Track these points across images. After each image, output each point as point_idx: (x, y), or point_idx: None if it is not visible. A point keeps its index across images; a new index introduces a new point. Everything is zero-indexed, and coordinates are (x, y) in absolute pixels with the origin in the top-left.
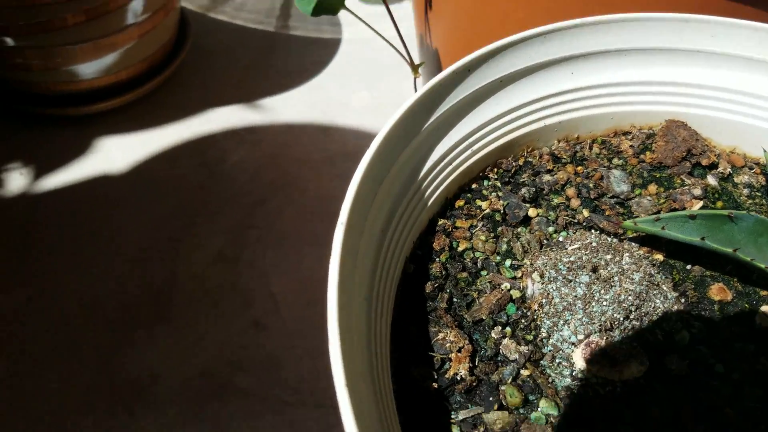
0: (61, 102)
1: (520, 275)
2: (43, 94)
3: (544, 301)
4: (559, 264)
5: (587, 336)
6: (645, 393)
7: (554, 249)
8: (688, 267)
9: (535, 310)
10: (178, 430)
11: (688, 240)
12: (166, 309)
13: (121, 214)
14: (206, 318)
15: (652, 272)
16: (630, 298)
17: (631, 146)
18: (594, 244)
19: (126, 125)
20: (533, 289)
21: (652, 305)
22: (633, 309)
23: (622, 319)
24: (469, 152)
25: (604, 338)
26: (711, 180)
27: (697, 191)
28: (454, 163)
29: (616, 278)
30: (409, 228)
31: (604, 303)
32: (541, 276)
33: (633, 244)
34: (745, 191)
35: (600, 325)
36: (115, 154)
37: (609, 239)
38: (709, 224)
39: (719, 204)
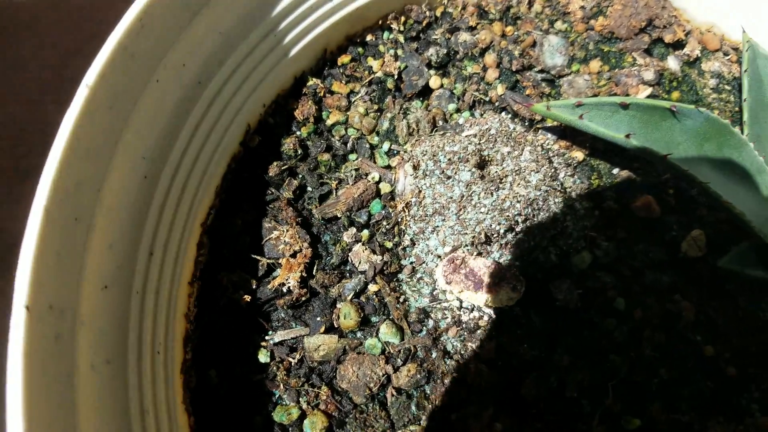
0: None
1: (396, 164)
2: None
3: (413, 200)
4: (440, 154)
5: (455, 249)
6: (516, 326)
7: (448, 133)
8: (615, 171)
9: (401, 211)
10: None
11: (609, 135)
12: None
13: None
14: None
15: (562, 174)
16: (518, 205)
17: (582, 7)
18: (493, 131)
19: None
20: (404, 183)
21: (549, 216)
22: (521, 220)
23: (503, 231)
24: None
25: (474, 253)
26: (671, 63)
27: (649, 75)
28: (337, 0)
29: (509, 178)
30: (254, 84)
31: (483, 209)
32: (416, 168)
33: (548, 135)
34: (712, 82)
35: (473, 237)
36: None
37: (514, 127)
38: (644, 118)
39: (675, 95)
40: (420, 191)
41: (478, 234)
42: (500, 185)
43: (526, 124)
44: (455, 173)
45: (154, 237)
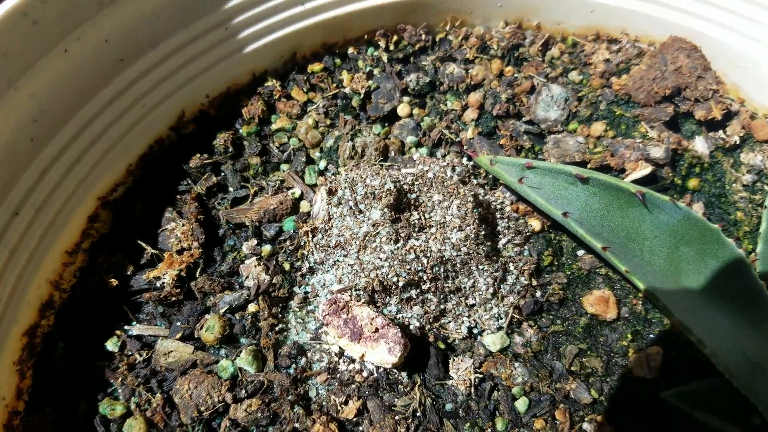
0: None
1: (323, 183)
2: None
3: (321, 226)
4: (359, 185)
5: (346, 289)
6: (394, 393)
7: (395, 165)
8: (579, 253)
9: (305, 235)
10: None
11: (546, 209)
12: None
13: None
14: None
15: (503, 240)
16: (425, 260)
17: (606, 61)
18: (431, 175)
19: None
20: (318, 207)
21: (468, 282)
22: (427, 277)
23: (402, 284)
24: None
25: (363, 300)
26: (699, 144)
27: (658, 152)
28: (311, 4)
29: (431, 230)
30: (194, 72)
31: (381, 255)
32: (331, 193)
33: (507, 194)
34: (747, 178)
35: (367, 282)
36: None
37: (451, 175)
38: (607, 199)
39: (692, 183)
40: (330, 219)
41: (370, 280)
42: (413, 234)
43: (469, 176)
44: (368, 209)
45: (24, 198)
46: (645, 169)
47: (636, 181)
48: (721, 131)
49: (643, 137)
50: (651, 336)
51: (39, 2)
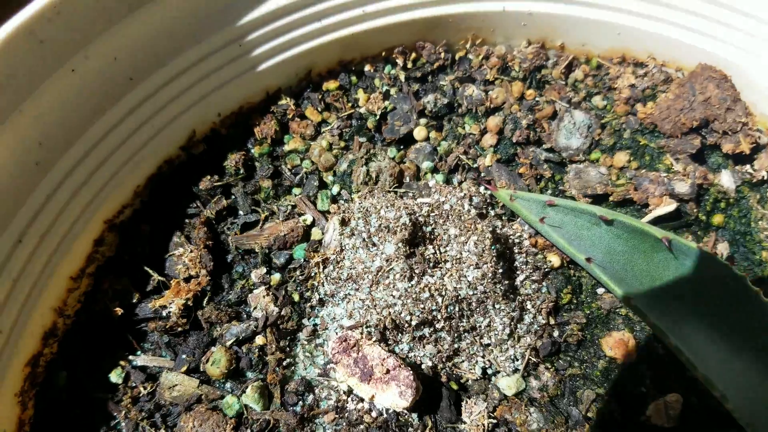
0: None
1: (335, 211)
2: None
3: (333, 257)
4: (373, 216)
5: (356, 326)
6: None
7: (410, 193)
8: (599, 291)
9: (315, 266)
10: None
11: (568, 251)
12: None
13: None
14: None
15: (521, 277)
16: (440, 299)
17: (632, 86)
18: (447, 207)
19: None
20: (331, 236)
21: (483, 322)
22: (441, 316)
23: (415, 323)
24: (360, 11)
25: (375, 338)
26: (725, 179)
27: (683, 187)
28: (328, 21)
29: (447, 265)
30: (205, 91)
31: (395, 292)
32: (344, 223)
33: (525, 227)
34: None
35: (379, 319)
36: None
37: (468, 209)
38: (632, 242)
39: (716, 219)
40: (342, 250)
41: (384, 318)
42: (428, 270)
43: (488, 204)
44: (381, 242)
45: (28, 225)
46: (670, 206)
47: (660, 217)
48: (748, 165)
49: (668, 170)
50: (671, 382)
51: (46, 20)
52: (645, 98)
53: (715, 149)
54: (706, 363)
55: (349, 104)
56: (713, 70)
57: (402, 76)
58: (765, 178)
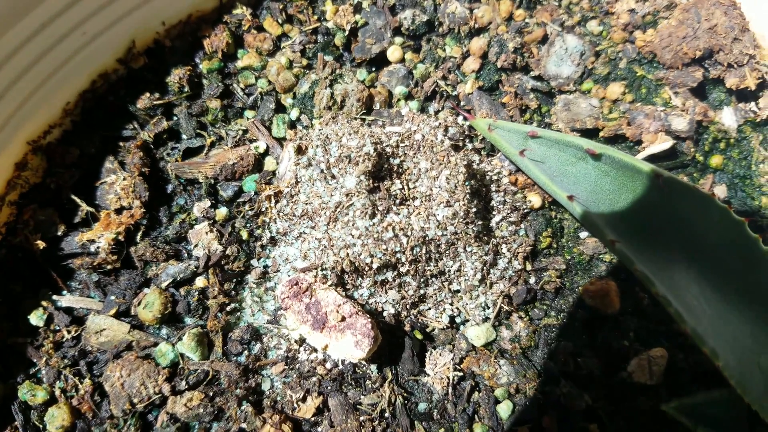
0: None
1: (292, 137)
2: None
3: (287, 190)
4: (333, 144)
5: (311, 268)
6: (361, 389)
7: (379, 121)
8: (582, 235)
9: (266, 199)
10: None
11: (550, 189)
12: None
13: None
14: None
15: (498, 218)
16: (404, 240)
17: (631, 11)
18: (419, 137)
19: None
20: (285, 167)
21: (453, 266)
22: (405, 259)
23: (376, 266)
24: None
25: (330, 282)
26: (727, 116)
27: (680, 124)
28: None
29: (416, 203)
30: None
31: (354, 231)
32: (301, 152)
33: (505, 163)
34: None
35: (336, 261)
36: None
37: (442, 139)
38: (620, 180)
39: (714, 161)
40: (297, 182)
41: (341, 259)
42: (393, 208)
43: (465, 137)
44: (341, 174)
45: None
46: (665, 143)
47: (654, 156)
48: (752, 103)
49: (665, 104)
50: (656, 336)
51: None
52: (645, 25)
53: (718, 83)
54: (696, 316)
55: (315, 17)
56: None
57: None
58: None
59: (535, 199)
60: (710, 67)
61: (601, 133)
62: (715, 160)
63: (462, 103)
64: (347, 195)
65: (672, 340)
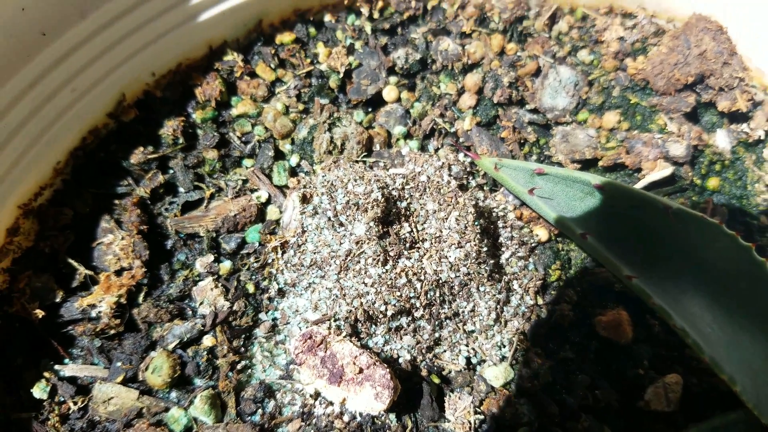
0: None
1: (295, 186)
2: None
3: (293, 240)
4: (339, 191)
5: (323, 320)
6: None
7: (380, 162)
8: (589, 265)
9: (273, 250)
10: None
11: (561, 226)
12: None
13: None
14: None
15: (507, 254)
16: (419, 285)
17: (620, 39)
18: (424, 178)
19: None
20: (290, 216)
21: (467, 307)
22: (420, 304)
23: (390, 313)
24: None
25: (345, 333)
26: (720, 139)
27: (678, 149)
28: None
29: (425, 245)
30: (135, 47)
31: (367, 279)
32: (306, 200)
33: (509, 198)
34: None
35: (349, 311)
36: None
37: (448, 180)
38: (627, 212)
39: (711, 183)
40: (304, 231)
41: (355, 309)
42: (404, 252)
43: (468, 173)
44: (349, 222)
45: None
46: (665, 170)
47: (655, 183)
48: (744, 124)
49: (662, 131)
50: (669, 362)
51: None
52: (635, 52)
53: (710, 107)
54: (712, 343)
55: (308, 60)
56: (708, 21)
57: (368, 28)
58: (761, 137)
59: (541, 233)
60: (702, 92)
61: (600, 163)
62: (713, 183)
63: (461, 140)
64: (357, 242)
65: (685, 365)
